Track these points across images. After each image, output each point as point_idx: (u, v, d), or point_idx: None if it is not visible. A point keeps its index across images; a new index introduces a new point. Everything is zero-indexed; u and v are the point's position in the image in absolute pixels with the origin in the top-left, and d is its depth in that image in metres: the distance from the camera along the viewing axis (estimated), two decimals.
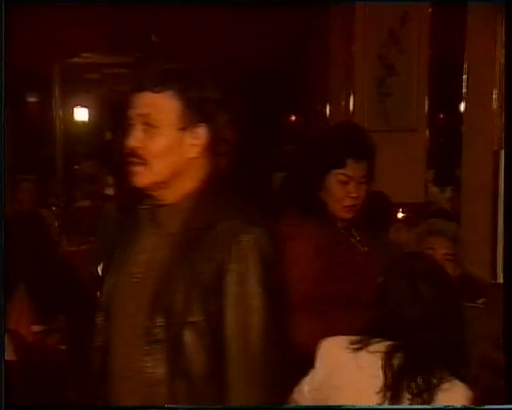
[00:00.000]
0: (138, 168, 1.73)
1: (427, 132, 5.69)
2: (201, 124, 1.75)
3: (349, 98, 5.78)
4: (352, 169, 2.43)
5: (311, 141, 2.73)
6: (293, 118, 10.57)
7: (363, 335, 1.97)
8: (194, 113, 1.73)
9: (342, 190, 2.44)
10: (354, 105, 5.73)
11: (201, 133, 1.75)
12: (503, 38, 2.34)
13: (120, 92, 9.22)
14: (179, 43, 7.28)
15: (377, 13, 5.52)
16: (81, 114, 9.76)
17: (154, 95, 1.71)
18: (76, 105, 9.55)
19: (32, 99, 9.85)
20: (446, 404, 1.87)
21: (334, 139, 2.50)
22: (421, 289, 1.94)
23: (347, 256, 2.48)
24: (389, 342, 1.93)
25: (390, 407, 1.85)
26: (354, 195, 2.44)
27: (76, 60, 8.14)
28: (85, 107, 9.73)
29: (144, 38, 7.65)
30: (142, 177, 1.73)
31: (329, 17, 6.18)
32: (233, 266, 1.66)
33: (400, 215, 4.98)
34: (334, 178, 2.45)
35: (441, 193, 6.48)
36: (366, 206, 2.53)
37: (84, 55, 8.33)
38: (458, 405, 1.85)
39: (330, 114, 6.49)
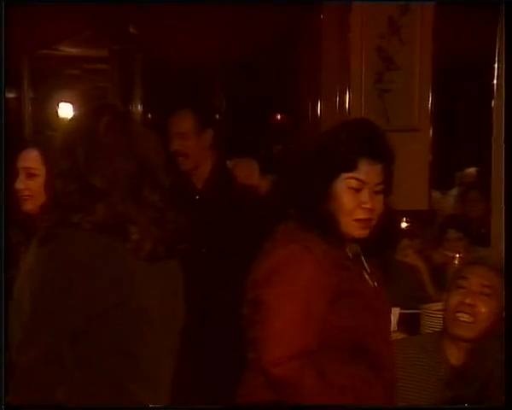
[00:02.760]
0: None
1: (431, 132, 5.20)
2: None
3: (344, 95, 5.29)
4: (366, 172, 2.00)
5: (316, 140, 2.25)
6: (279, 117, 10.07)
7: None
8: None
9: (353, 200, 2.00)
10: (350, 102, 5.24)
11: None
12: (504, 37, 2.08)
13: (101, 88, 8.72)
14: (159, 35, 6.82)
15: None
16: (55, 111, 9.20)
17: None
18: (48, 101, 9.00)
19: (10, 95, 9.29)
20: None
21: (343, 136, 2.05)
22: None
23: (357, 289, 2.01)
24: None
25: (390, 406, 1.68)
26: (368, 206, 2.00)
27: (47, 52, 7.61)
28: (61, 102, 9.17)
29: (122, 30, 7.19)
30: None
31: (322, 5, 5.66)
32: None
33: (404, 225, 4.48)
34: (344, 185, 2.00)
35: (443, 198, 6.02)
36: (382, 224, 2.07)
37: (58, 48, 7.84)
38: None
39: (322, 113, 5.97)
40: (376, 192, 2.02)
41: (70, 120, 1.81)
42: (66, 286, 1.61)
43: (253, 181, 3.16)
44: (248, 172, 3.21)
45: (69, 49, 8.10)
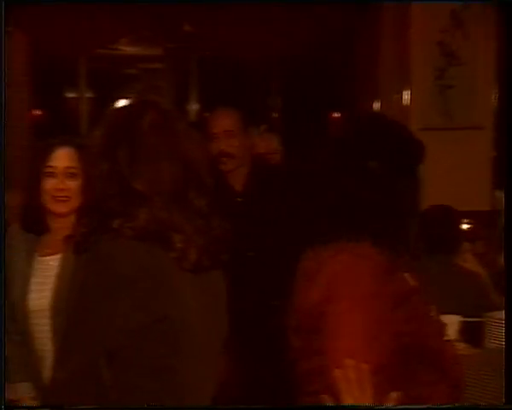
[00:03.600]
0: None
1: (495, 130, 4.99)
2: None
3: (403, 92, 5.10)
4: None
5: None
6: (335, 115, 9.88)
7: None
8: None
9: None
10: (410, 100, 5.05)
11: None
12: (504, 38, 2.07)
13: (157, 88, 8.68)
14: (214, 32, 6.73)
15: None
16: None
17: None
18: (106, 100, 9.02)
19: (68, 95, 9.36)
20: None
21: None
22: None
23: (409, 290, 1.85)
24: None
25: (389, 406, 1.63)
26: None
27: (104, 52, 7.61)
28: (118, 102, 9.17)
29: (177, 28, 7.13)
30: None
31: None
32: None
33: (465, 226, 4.29)
34: None
35: None
36: None
37: (115, 47, 7.83)
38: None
39: (381, 111, 5.78)
40: None
41: (110, 117, 1.68)
42: (106, 298, 1.49)
43: (272, 153, 3.02)
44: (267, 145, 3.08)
45: (125, 49, 8.10)
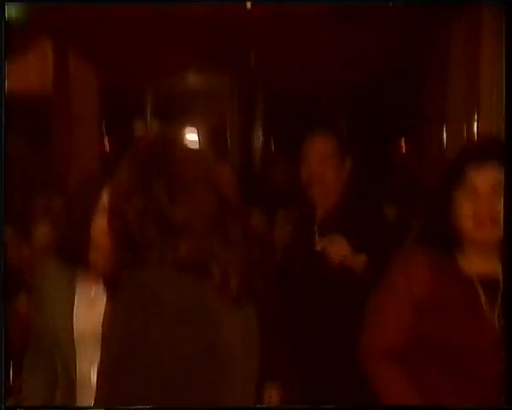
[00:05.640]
0: None
1: None
2: None
3: (472, 121, 4.96)
4: None
5: None
6: (402, 145, 9.76)
7: None
8: None
9: None
10: (478, 130, 4.90)
11: None
12: (504, 37, 2.18)
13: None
14: (279, 62, 6.76)
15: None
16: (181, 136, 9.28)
17: None
18: (170, 130, 9.10)
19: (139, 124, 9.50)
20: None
21: None
22: None
23: (464, 308, 2.08)
24: None
25: (389, 406, 1.75)
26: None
27: (170, 81, 7.71)
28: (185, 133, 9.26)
29: (242, 58, 7.18)
30: None
31: (452, 18, 5.32)
32: None
33: None
34: None
35: None
36: None
37: (179, 77, 7.93)
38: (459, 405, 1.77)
39: (448, 141, 5.66)
40: None
41: (137, 154, 1.66)
42: (153, 332, 1.48)
43: (346, 261, 2.91)
44: (341, 251, 2.95)
45: (192, 78, 8.16)
